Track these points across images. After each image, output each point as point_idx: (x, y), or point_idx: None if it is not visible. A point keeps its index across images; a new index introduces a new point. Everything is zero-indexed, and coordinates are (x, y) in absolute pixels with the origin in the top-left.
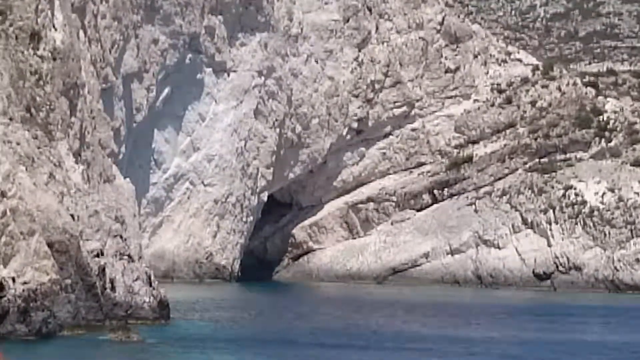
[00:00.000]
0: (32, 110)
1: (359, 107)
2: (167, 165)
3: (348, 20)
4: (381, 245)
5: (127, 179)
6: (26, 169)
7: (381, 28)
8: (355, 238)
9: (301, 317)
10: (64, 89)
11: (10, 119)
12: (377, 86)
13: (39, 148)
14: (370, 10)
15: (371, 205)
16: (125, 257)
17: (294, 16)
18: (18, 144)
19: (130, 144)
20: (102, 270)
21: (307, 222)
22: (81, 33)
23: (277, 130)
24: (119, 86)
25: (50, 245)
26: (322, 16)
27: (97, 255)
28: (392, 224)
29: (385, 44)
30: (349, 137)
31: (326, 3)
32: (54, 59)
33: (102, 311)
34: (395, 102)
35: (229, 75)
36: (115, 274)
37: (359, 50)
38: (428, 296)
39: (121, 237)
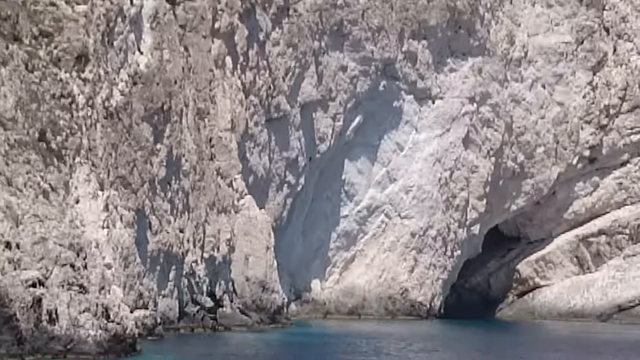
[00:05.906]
0: (48, 134)
1: (591, 134)
2: (359, 197)
3: (582, 42)
4: (609, 281)
5: (262, 210)
6: None
7: (619, 49)
8: (585, 273)
9: None
10: (146, 115)
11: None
12: (612, 111)
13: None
14: (607, 31)
15: (603, 238)
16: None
17: (516, 39)
18: None
19: (315, 175)
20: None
21: (533, 257)
22: (228, 59)
23: (493, 159)
24: (295, 115)
25: None
26: (552, 39)
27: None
28: (624, 258)
29: (623, 66)
30: (580, 166)
31: (557, 25)
32: (134, 84)
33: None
34: (633, 128)
35: (434, 102)
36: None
37: (594, 74)
38: None
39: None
